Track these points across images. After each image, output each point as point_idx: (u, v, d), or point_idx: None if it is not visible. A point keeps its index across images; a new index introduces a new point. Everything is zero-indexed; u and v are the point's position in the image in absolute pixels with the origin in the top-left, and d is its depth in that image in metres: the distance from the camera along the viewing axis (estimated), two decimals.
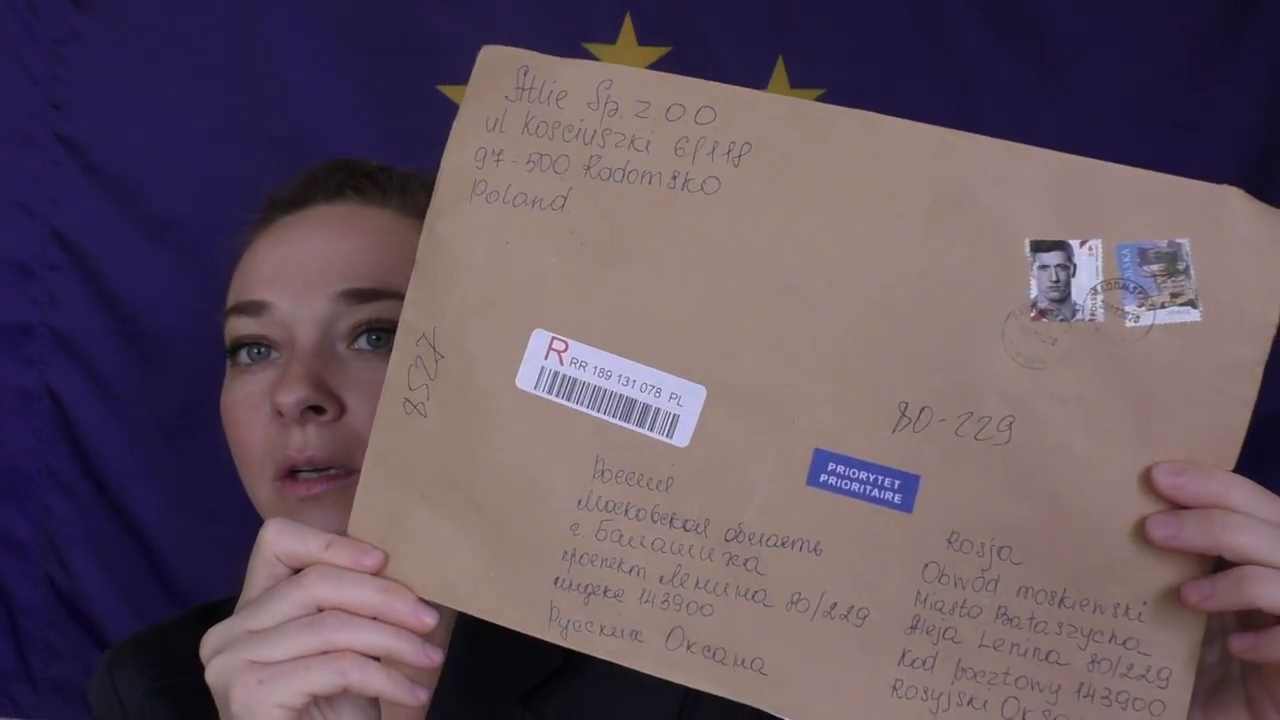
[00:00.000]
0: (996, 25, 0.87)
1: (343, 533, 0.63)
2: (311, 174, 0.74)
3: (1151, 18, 0.85)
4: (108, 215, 1.01)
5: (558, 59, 0.46)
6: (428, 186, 0.73)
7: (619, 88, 0.46)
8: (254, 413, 0.66)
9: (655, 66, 0.91)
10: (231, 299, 0.70)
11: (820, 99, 0.91)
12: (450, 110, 1.06)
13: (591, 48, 0.92)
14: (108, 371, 1.03)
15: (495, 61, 0.49)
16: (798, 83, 0.91)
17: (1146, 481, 0.43)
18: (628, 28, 0.91)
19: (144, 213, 1.01)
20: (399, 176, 0.74)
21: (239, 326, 0.68)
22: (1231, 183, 0.98)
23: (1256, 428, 0.90)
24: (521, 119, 0.48)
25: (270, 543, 0.51)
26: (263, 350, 0.67)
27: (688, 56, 0.91)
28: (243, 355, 0.68)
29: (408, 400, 0.49)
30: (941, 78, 0.88)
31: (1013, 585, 0.44)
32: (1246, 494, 0.42)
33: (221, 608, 0.79)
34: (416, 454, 0.49)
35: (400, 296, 0.64)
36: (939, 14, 0.88)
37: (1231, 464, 0.43)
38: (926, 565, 0.44)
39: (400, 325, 0.49)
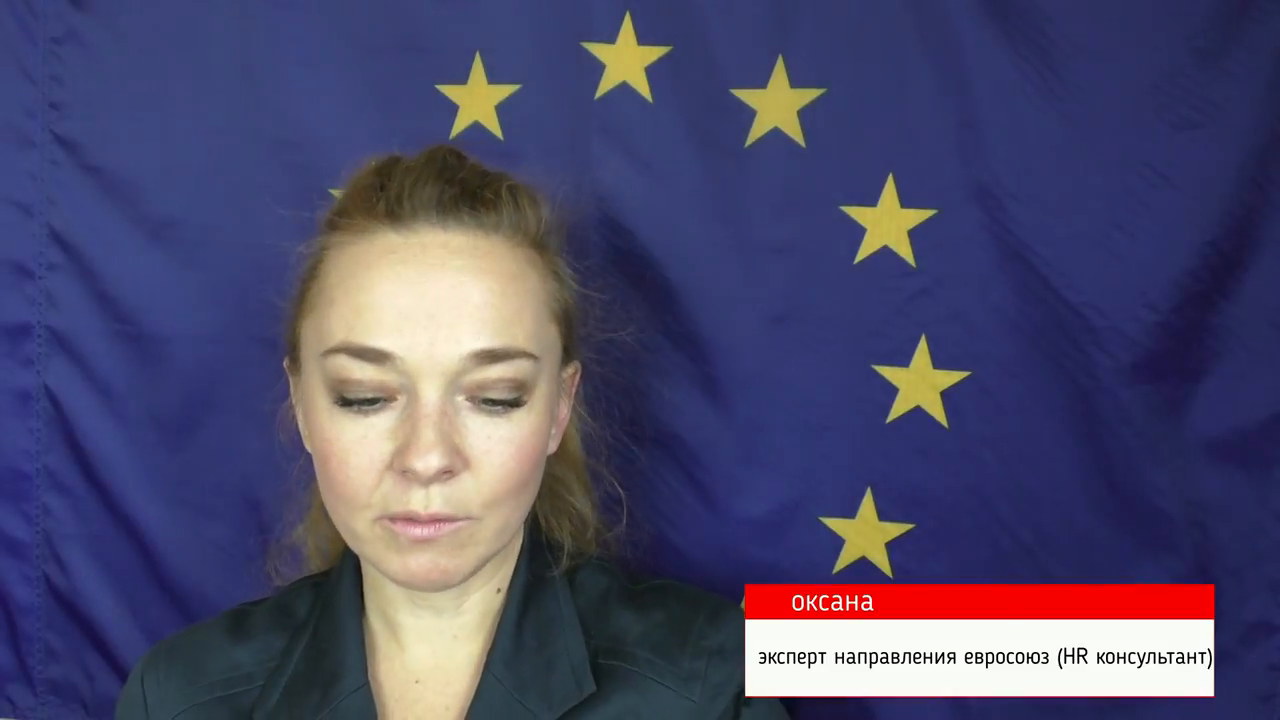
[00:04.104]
0: (997, 25, 0.87)
1: (447, 575, 0.65)
2: (411, 171, 0.69)
3: (1152, 18, 0.85)
4: (106, 215, 1.00)
5: None
6: (535, 200, 0.72)
7: None
8: (365, 457, 0.64)
9: (655, 66, 0.91)
10: (340, 334, 0.65)
11: (820, 99, 0.91)
12: (450, 110, 1.06)
13: (590, 47, 0.92)
14: (106, 372, 1.02)
15: None
16: (798, 82, 0.91)
17: None
18: (627, 27, 0.91)
19: (142, 213, 1.00)
20: (508, 189, 0.70)
21: (351, 369, 0.64)
22: (1231, 183, 0.98)
23: (1257, 428, 0.91)
24: None
25: None
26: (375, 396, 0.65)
27: (688, 56, 0.91)
28: (349, 395, 0.65)
29: None
30: (941, 78, 0.88)
31: None
32: None
33: (253, 613, 0.78)
34: None
35: (521, 354, 0.65)
36: (939, 14, 0.88)
37: None
38: None
39: None
